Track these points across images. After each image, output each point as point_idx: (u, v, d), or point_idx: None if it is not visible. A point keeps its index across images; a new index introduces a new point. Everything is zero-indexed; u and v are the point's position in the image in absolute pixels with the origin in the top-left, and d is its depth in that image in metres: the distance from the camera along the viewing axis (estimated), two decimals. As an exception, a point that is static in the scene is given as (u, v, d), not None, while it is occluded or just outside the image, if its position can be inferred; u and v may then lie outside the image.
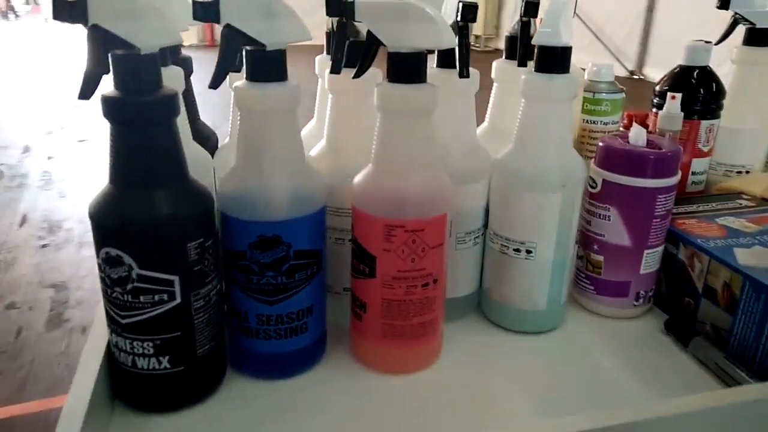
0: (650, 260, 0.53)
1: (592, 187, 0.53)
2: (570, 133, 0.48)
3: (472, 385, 0.46)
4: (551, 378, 0.47)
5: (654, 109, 0.71)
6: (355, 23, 0.41)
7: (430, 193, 0.41)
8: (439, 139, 0.48)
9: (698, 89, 0.69)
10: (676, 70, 0.71)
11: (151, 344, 0.38)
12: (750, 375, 0.45)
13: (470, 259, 0.52)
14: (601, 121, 0.66)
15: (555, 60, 0.45)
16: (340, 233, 0.49)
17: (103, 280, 0.37)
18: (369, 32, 0.40)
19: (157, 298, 0.36)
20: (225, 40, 0.36)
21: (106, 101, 0.34)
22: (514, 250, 0.49)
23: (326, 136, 0.49)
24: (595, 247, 0.54)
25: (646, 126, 0.70)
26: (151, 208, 0.35)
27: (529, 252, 0.49)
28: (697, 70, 0.69)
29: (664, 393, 0.45)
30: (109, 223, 0.35)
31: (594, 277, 0.54)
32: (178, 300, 0.37)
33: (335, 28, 0.43)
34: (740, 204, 0.61)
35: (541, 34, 0.44)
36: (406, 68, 0.40)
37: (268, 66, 0.38)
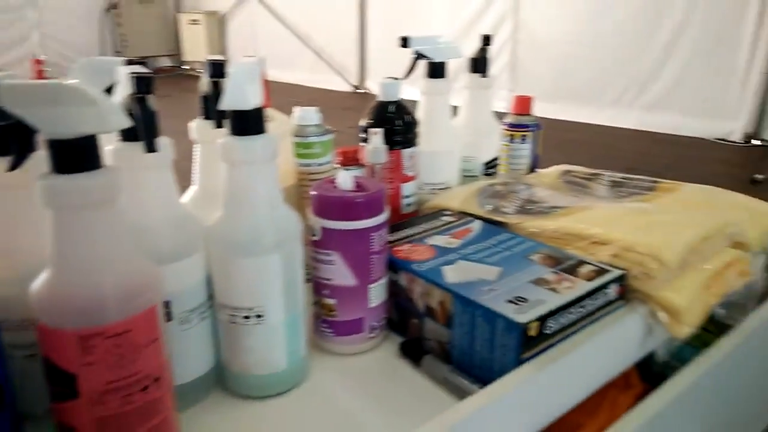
0: (376, 293, 0.56)
1: (314, 236, 0.54)
2: (279, 190, 0.47)
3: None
4: (302, 437, 0.47)
5: (362, 143, 0.76)
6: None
7: (129, 289, 0.37)
8: (138, 220, 0.43)
9: (395, 121, 0.76)
10: (374, 106, 0.78)
11: None
12: (473, 381, 0.50)
13: (200, 336, 0.48)
14: (316, 164, 0.68)
15: (249, 122, 0.44)
16: (30, 348, 0.40)
17: None
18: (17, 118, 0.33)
19: None
20: None
21: None
22: (244, 317, 0.47)
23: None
24: (326, 291, 0.55)
25: (357, 159, 0.75)
26: None
27: (259, 317, 0.47)
28: (391, 105, 0.76)
29: (407, 419, 0.47)
30: None
31: (330, 320, 0.56)
32: None
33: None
34: (443, 221, 0.69)
35: (227, 99, 0.43)
36: (72, 156, 0.34)
37: None
